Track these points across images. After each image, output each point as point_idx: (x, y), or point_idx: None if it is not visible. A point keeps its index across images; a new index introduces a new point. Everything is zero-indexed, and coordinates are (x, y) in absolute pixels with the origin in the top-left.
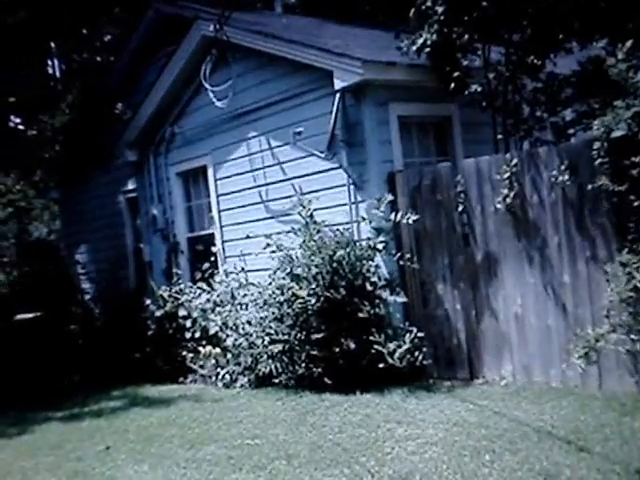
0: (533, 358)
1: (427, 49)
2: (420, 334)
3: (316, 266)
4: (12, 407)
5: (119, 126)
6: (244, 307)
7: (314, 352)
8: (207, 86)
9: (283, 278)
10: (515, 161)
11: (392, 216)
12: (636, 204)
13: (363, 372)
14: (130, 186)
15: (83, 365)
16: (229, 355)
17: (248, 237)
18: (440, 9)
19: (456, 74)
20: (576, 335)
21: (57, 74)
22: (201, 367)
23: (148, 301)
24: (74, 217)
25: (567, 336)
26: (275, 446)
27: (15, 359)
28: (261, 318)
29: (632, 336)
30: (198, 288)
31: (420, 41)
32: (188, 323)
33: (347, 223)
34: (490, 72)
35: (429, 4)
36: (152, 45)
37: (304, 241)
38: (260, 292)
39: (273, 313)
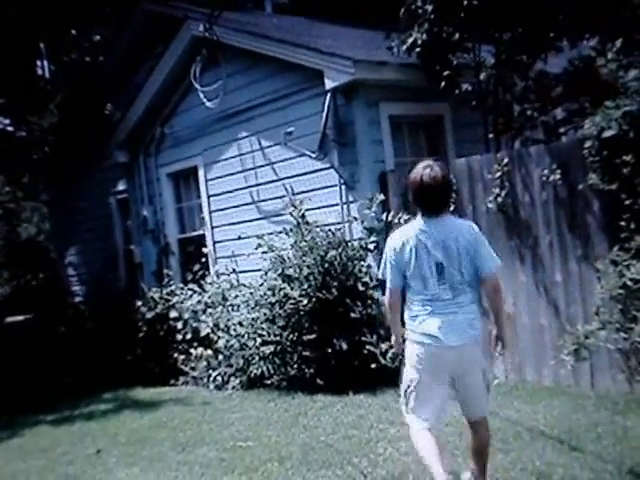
0: (525, 357)
1: (417, 48)
2: None
3: (308, 267)
4: (2, 410)
5: (109, 127)
6: (235, 308)
7: (306, 353)
8: (197, 86)
9: (275, 279)
10: (506, 160)
11: (384, 216)
12: (627, 202)
13: (355, 373)
14: (120, 187)
15: (74, 367)
16: (220, 357)
17: (239, 238)
18: (430, 8)
19: (446, 73)
20: (566, 332)
21: (46, 75)
22: (192, 369)
23: (139, 303)
24: (64, 219)
25: (559, 335)
26: (267, 448)
27: (5, 362)
28: (253, 319)
29: (622, 334)
30: (189, 289)
31: (410, 40)
32: (179, 325)
33: (339, 223)
34: (480, 71)
35: (419, 3)
36: (142, 45)
37: (296, 242)
38: (252, 293)
39: (265, 314)
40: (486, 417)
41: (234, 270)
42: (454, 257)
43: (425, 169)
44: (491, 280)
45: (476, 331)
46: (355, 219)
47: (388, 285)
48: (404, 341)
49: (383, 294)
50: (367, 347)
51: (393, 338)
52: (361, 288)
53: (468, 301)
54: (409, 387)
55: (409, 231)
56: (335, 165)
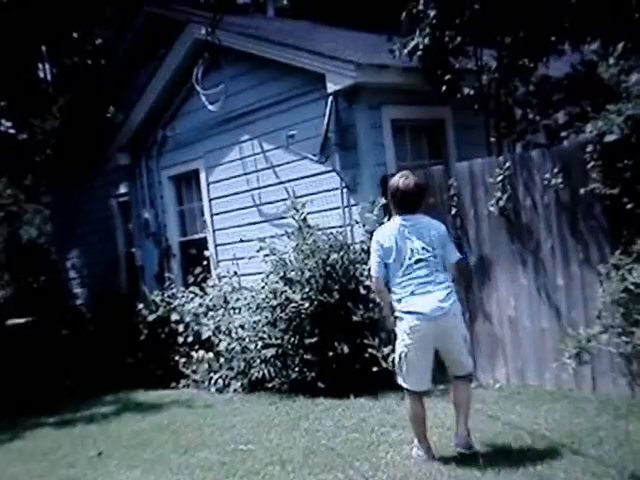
0: (527, 361)
1: (419, 52)
2: None
3: (309, 270)
4: (3, 413)
5: (111, 130)
6: (237, 311)
7: (307, 356)
8: (199, 89)
9: (276, 282)
10: (508, 164)
11: (385, 219)
12: (629, 207)
13: (357, 376)
14: (122, 190)
15: (75, 370)
16: (222, 360)
17: (241, 241)
18: (432, 13)
19: (448, 77)
20: (567, 335)
21: (48, 78)
22: (194, 372)
23: (140, 305)
24: (65, 221)
25: (561, 339)
26: (269, 451)
27: (7, 364)
28: (254, 322)
29: (624, 338)
30: (190, 292)
31: (412, 44)
32: (180, 328)
33: (340, 226)
34: (482, 75)
35: (421, 7)
36: (144, 48)
37: (297, 245)
38: (253, 296)
39: (266, 317)
40: (470, 373)
41: (235, 273)
42: (428, 243)
43: (401, 177)
44: (452, 267)
45: (453, 302)
46: (357, 222)
47: (373, 274)
48: (393, 313)
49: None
50: (368, 350)
51: (384, 310)
52: (362, 291)
53: (442, 278)
54: (400, 359)
55: (391, 225)
56: (337, 168)
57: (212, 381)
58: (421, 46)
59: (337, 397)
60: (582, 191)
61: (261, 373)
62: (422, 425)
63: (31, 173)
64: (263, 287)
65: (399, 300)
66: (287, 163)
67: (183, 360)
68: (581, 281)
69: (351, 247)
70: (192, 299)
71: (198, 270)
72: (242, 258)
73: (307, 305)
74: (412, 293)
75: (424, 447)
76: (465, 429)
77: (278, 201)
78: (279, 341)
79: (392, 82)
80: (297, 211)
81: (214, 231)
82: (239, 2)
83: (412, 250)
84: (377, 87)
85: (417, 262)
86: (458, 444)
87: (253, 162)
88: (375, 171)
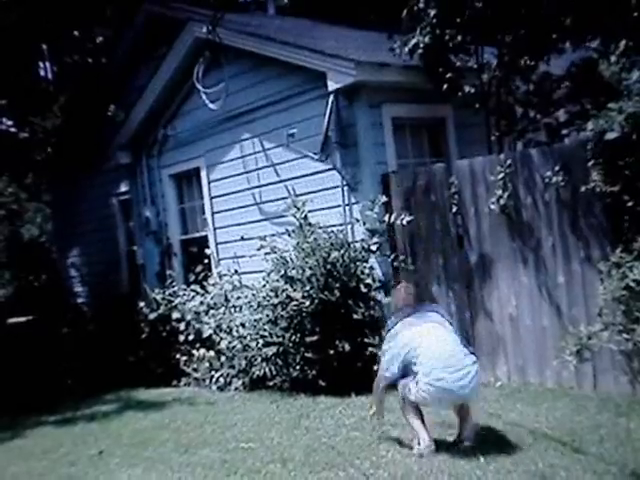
0: (528, 359)
1: (419, 51)
2: None
3: (310, 268)
4: (4, 411)
5: (111, 128)
6: (238, 309)
7: (308, 354)
8: (200, 88)
9: (277, 280)
10: (509, 162)
11: (386, 217)
12: (629, 204)
13: (358, 374)
14: (123, 188)
15: (76, 368)
16: (223, 358)
17: (242, 239)
18: (432, 12)
19: (449, 75)
20: (568, 333)
21: (49, 76)
22: (195, 370)
23: (141, 304)
24: (66, 219)
25: (562, 337)
26: (270, 449)
27: (7, 363)
28: (255, 320)
29: (625, 335)
30: (192, 291)
31: (412, 42)
32: (182, 326)
33: (341, 225)
34: (483, 73)
35: (421, 6)
36: (144, 47)
37: (298, 243)
38: (254, 294)
39: (267, 315)
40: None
41: (236, 271)
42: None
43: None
44: None
45: None
46: (357, 220)
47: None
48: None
49: (386, 295)
50: (370, 349)
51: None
52: (363, 290)
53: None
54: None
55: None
56: (337, 167)
57: (213, 379)
58: (422, 44)
59: (338, 395)
60: (583, 189)
61: (262, 371)
62: (419, 414)
63: (32, 172)
64: (264, 285)
65: None
66: (288, 161)
67: (184, 358)
68: (582, 279)
69: (352, 245)
70: (193, 297)
71: (199, 268)
72: (243, 256)
73: (308, 303)
74: None
75: (425, 438)
76: (471, 427)
77: (279, 199)
78: (280, 339)
79: (393, 80)
80: (298, 209)
81: (215, 229)
82: (240, 0)
83: None
84: (378, 85)
85: None
86: (467, 438)
87: (254, 160)
88: (376, 169)
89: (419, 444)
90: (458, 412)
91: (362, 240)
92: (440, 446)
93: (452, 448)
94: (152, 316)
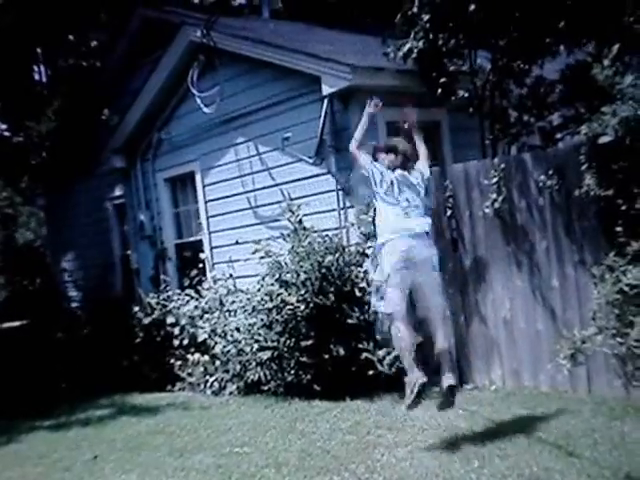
0: (522, 363)
1: (413, 55)
2: None
3: (305, 272)
4: None
5: (106, 132)
6: (232, 314)
7: (303, 359)
8: (194, 92)
9: (272, 284)
10: (503, 166)
11: None
12: (623, 208)
13: (352, 379)
14: (117, 192)
15: (70, 373)
16: (217, 362)
17: (237, 243)
18: (426, 17)
19: (443, 80)
20: (562, 337)
21: (43, 80)
22: (189, 375)
23: (136, 308)
24: (61, 224)
25: (556, 340)
26: (264, 454)
27: (1, 367)
28: (250, 325)
29: (618, 339)
30: (186, 295)
31: (406, 47)
32: (176, 330)
33: (336, 229)
34: (477, 78)
35: (415, 11)
36: (139, 50)
37: (293, 247)
38: (249, 298)
39: (262, 320)
40: (447, 316)
41: (231, 275)
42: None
43: None
44: None
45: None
46: (352, 224)
47: None
48: None
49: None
50: (364, 353)
51: None
52: (358, 294)
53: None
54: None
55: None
56: (332, 171)
57: (208, 384)
58: (415, 49)
59: (333, 400)
60: (577, 193)
61: (257, 376)
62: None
63: (27, 176)
64: (259, 289)
65: None
66: (282, 165)
67: (179, 363)
68: (576, 282)
69: (346, 249)
70: (188, 302)
71: (194, 273)
72: (238, 260)
73: (303, 307)
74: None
75: (415, 373)
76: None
77: (273, 203)
78: (275, 344)
79: (387, 84)
80: (293, 213)
81: (210, 233)
82: (234, 4)
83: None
84: (372, 89)
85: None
86: (447, 377)
87: (248, 164)
88: None
89: (407, 399)
90: (436, 355)
91: (357, 244)
92: (435, 450)
93: (447, 451)
94: (146, 320)
